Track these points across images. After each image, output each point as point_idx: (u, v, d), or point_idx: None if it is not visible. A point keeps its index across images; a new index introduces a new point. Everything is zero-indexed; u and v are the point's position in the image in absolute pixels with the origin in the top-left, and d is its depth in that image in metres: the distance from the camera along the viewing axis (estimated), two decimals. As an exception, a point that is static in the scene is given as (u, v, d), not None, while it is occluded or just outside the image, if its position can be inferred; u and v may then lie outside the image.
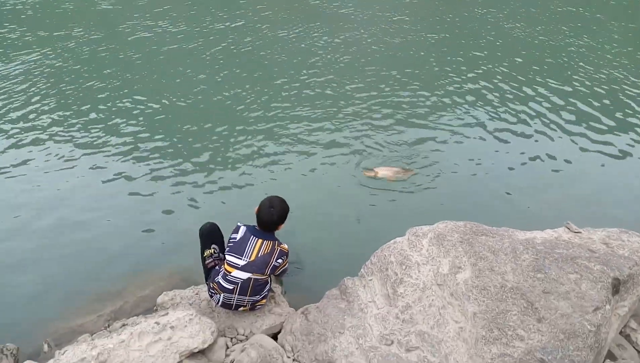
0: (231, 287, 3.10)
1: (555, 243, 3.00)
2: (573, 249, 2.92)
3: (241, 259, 3.08)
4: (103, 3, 10.37)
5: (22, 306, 3.70)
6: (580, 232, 3.20)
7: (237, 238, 3.13)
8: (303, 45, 8.49)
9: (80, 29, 9.01)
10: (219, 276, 3.14)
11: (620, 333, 3.11)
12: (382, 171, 4.97)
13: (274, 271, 3.20)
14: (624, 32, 9.41)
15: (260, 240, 3.10)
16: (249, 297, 3.16)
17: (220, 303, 3.22)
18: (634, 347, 3.08)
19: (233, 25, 9.32)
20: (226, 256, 3.15)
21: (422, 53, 8.25)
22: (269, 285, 3.25)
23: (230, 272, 3.09)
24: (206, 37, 8.74)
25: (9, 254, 4.15)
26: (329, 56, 8.06)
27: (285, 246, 3.23)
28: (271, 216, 3.09)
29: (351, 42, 8.67)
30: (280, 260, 3.16)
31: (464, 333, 2.68)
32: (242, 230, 3.15)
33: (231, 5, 10.23)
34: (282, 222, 3.18)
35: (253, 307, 3.26)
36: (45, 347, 3.31)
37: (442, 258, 3.02)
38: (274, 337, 3.26)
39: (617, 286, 2.74)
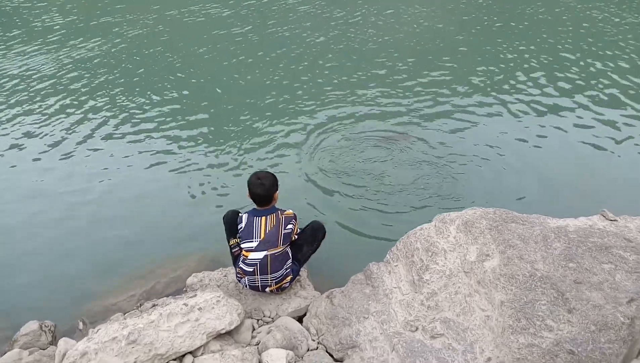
0: (251, 269, 3.18)
1: (589, 232, 2.89)
2: (608, 238, 2.80)
3: (253, 241, 3.16)
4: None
5: (61, 286, 3.85)
6: (616, 220, 3.07)
7: (243, 226, 3.21)
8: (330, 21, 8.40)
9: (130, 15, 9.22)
10: (240, 261, 3.23)
11: (657, 325, 2.99)
12: None
13: (289, 239, 3.26)
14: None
15: (263, 218, 3.18)
16: (271, 275, 3.20)
17: (247, 286, 3.29)
18: (671, 340, 2.96)
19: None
20: (241, 245, 3.23)
21: (459, 37, 8.02)
22: (289, 259, 3.29)
23: (247, 256, 3.18)
24: (245, 19, 8.77)
25: (51, 238, 4.32)
26: (361, 37, 7.95)
27: (290, 211, 3.30)
28: (263, 187, 3.15)
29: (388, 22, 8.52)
30: (290, 226, 3.22)
31: (491, 321, 2.64)
32: (244, 216, 3.23)
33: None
34: (276, 190, 3.24)
35: (279, 286, 3.29)
36: (81, 325, 3.46)
37: (469, 245, 2.96)
38: (300, 319, 3.29)
39: (654, 278, 2.62)
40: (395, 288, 3.03)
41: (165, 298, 3.37)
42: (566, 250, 2.74)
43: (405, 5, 9.54)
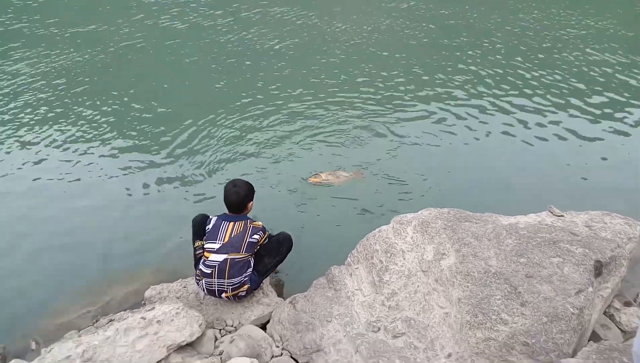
0: (209, 271, 3.15)
1: (538, 228, 3.02)
2: (555, 233, 2.94)
3: (216, 242, 3.16)
4: None
5: (11, 304, 3.66)
6: (563, 216, 3.22)
7: (210, 227, 3.24)
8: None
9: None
10: (201, 263, 3.22)
11: (605, 313, 3.15)
12: (327, 177, 4.88)
13: (253, 249, 3.25)
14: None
15: (231, 223, 3.21)
16: (228, 280, 3.16)
17: (204, 290, 3.26)
18: (617, 327, 3.12)
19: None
20: (204, 245, 3.23)
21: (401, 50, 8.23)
22: (249, 268, 3.26)
23: (208, 257, 3.17)
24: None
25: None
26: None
27: (260, 222, 3.32)
28: (237, 195, 3.22)
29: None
30: (256, 236, 3.24)
31: (449, 318, 2.71)
32: (213, 219, 3.28)
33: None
34: (250, 200, 3.32)
35: (235, 293, 3.24)
36: (33, 344, 3.30)
37: (426, 245, 3.03)
38: (263, 327, 3.27)
39: (599, 269, 2.77)
40: (357, 290, 3.06)
41: (122, 312, 3.26)
42: (517, 245, 2.86)
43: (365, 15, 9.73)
